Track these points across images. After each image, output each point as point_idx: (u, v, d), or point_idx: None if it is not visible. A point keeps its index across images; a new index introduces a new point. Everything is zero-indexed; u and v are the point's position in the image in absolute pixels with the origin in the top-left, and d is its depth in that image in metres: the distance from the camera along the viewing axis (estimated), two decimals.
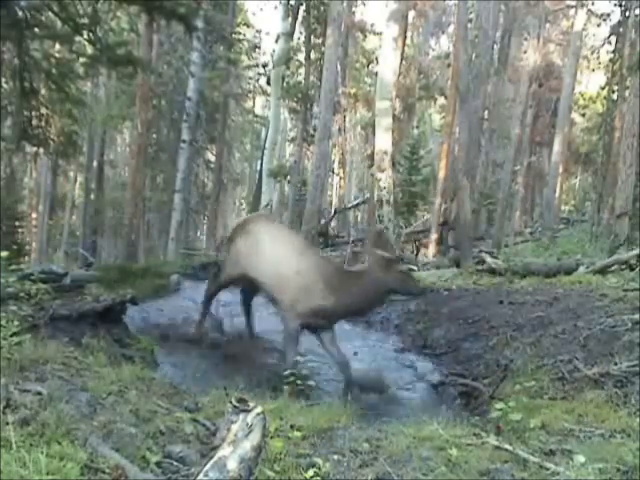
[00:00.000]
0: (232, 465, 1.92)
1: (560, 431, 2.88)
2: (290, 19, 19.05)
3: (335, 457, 2.51)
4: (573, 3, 19.89)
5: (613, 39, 17.03)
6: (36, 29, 6.58)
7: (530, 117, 23.78)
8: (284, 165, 20.05)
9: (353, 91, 23.66)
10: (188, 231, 22.25)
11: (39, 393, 2.58)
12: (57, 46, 9.94)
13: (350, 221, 25.84)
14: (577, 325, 4.69)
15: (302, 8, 19.16)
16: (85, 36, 6.73)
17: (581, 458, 2.35)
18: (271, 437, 2.52)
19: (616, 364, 3.72)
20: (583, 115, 27.51)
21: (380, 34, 17.44)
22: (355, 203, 24.24)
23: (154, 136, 18.83)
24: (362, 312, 5.42)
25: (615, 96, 15.48)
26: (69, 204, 24.55)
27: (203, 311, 5.73)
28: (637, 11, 15.15)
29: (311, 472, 2.28)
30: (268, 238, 5.02)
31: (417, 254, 15.24)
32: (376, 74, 15.19)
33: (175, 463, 2.27)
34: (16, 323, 3.64)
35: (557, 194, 19.55)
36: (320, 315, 4.74)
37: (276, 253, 4.88)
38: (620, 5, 16.21)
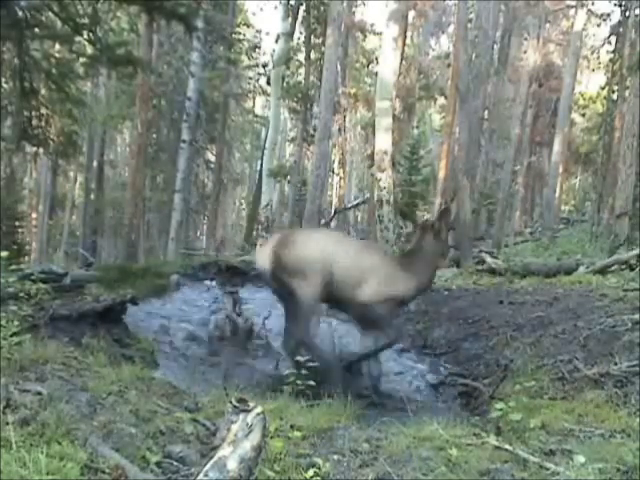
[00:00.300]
0: (232, 465, 1.92)
1: (560, 431, 2.87)
2: (290, 19, 19.05)
3: (335, 457, 2.50)
4: (573, 3, 19.90)
5: (613, 39, 17.06)
6: (36, 29, 6.58)
7: (530, 117, 23.78)
8: (284, 165, 20.07)
9: (353, 91, 23.62)
10: (188, 231, 22.26)
11: (39, 393, 2.58)
12: (57, 46, 9.93)
13: (350, 221, 25.85)
14: (577, 325, 4.68)
15: (302, 8, 19.17)
16: (85, 36, 6.73)
17: (581, 458, 2.34)
18: (271, 437, 2.52)
19: (616, 364, 3.72)
20: (583, 115, 27.51)
21: (380, 34, 17.43)
22: (355, 203, 24.27)
23: (154, 136, 18.86)
24: (429, 286, 5.36)
25: (615, 96, 15.50)
26: (69, 204, 24.56)
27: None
28: (637, 11, 15.17)
29: (311, 472, 2.28)
30: (332, 241, 4.86)
31: None
32: (376, 74, 15.18)
33: (175, 463, 2.27)
34: (16, 323, 3.64)
35: (557, 194, 19.55)
36: (401, 303, 4.90)
37: (348, 254, 4.77)
38: (620, 5, 16.22)
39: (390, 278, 4.71)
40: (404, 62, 20.38)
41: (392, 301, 4.73)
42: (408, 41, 22.54)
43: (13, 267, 5.34)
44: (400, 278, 4.71)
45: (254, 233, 18.24)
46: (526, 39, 23.02)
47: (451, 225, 5.27)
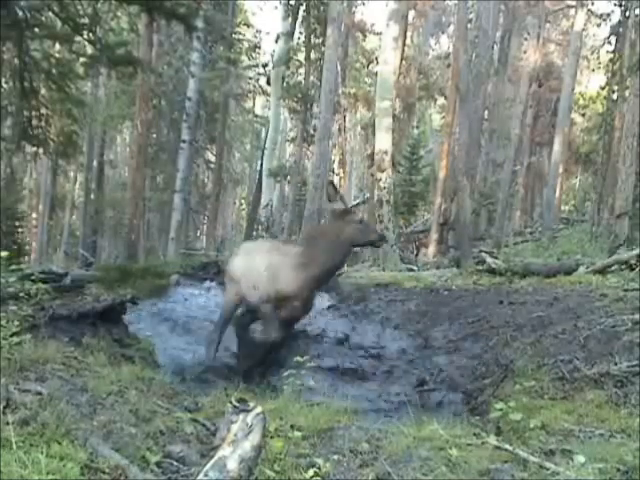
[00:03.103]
0: (232, 465, 1.92)
1: (560, 431, 2.87)
2: (290, 19, 19.06)
3: (335, 457, 2.50)
4: (573, 3, 19.89)
5: (613, 39, 17.04)
6: (36, 29, 6.59)
7: (530, 117, 23.77)
8: (284, 165, 20.07)
9: (353, 91, 23.63)
10: (188, 231, 22.26)
11: (39, 393, 2.58)
12: (57, 46, 9.94)
13: None
14: (577, 325, 4.68)
15: (302, 8, 19.16)
16: (85, 36, 6.75)
17: (581, 458, 2.34)
18: (271, 437, 2.52)
19: (616, 364, 3.71)
20: (583, 115, 27.49)
21: (380, 34, 17.44)
22: (355, 203, 24.25)
23: (154, 136, 18.86)
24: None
25: (615, 96, 15.48)
26: (69, 204, 24.58)
27: None
28: (637, 11, 15.15)
29: (311, 472, 2.27)
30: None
31: (417, 254, 15.26)
32: (376, 74, 15.18)
33: (175, 463, 2.27)
34: (16, 323, 3.64)
35: (557, 194, 19.54)
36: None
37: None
38: (620, 5, 16.22)
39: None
40: (404, 62, 20.41)
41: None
42: (408, 41, 22.55)
43: (13, 267, 5.35)
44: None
45: (254, 233, 18.24)
46: (526, 39, 23.01)
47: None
